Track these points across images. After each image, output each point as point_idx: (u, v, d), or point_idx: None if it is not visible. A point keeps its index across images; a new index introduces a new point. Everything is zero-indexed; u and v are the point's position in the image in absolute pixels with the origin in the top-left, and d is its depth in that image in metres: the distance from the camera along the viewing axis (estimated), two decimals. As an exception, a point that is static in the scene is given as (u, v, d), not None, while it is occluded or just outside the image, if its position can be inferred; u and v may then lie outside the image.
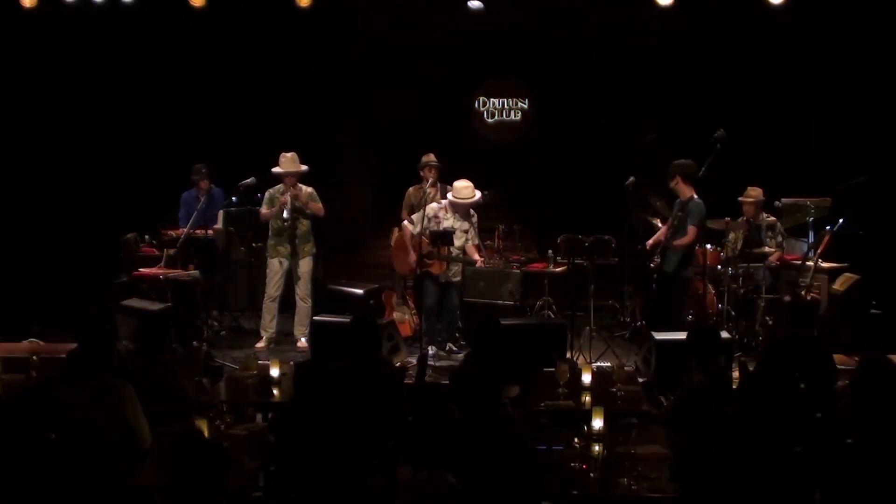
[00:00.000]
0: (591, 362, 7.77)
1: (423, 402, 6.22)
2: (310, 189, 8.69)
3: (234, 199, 9.30)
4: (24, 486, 4.04)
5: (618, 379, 6.10)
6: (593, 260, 8.68)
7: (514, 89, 11.48)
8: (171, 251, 8.86)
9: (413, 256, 8.52)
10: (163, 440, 3.99)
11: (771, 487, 4.22)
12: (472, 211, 8.50)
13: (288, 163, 8.52)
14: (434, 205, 8.51)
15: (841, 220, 8.14)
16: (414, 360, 7.34)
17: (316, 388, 4.76)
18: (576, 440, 4.84)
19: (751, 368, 5.73)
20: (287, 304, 8.87)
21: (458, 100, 11.36)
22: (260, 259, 9.23)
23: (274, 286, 8.66)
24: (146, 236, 9.42)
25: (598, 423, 4.72)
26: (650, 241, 8.46)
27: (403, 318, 8.99)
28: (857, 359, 6.03)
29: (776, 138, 10.02)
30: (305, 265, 8.70)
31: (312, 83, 11.10)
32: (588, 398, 5.79)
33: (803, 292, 8.04)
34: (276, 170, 8.56)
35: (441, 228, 8.32)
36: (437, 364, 7.94)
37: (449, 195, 8.43)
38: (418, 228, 8.28)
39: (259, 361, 6.64)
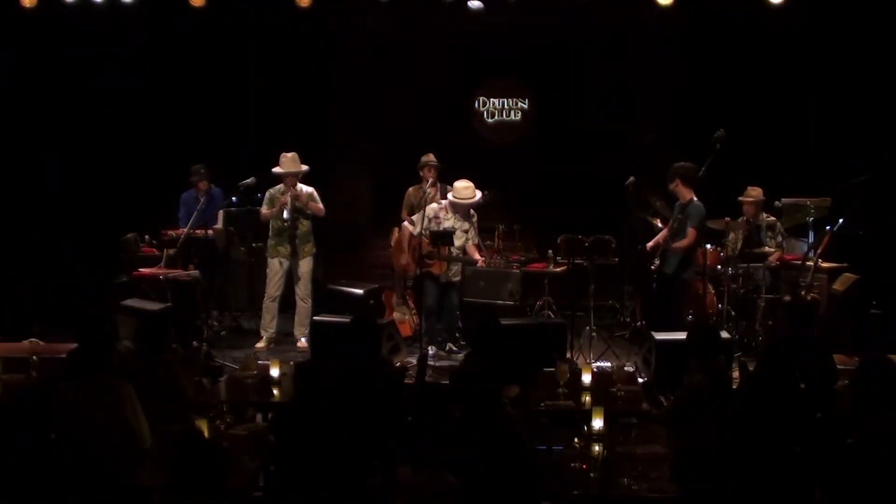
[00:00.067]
0: (590, 362, 7.78)
1: (423, 402, 6.21)
2: (310, 189, 8.69)
3: (234, 199, 9.31)
4: (24, 486, 4.04)
5: (618, 379, 6.10)
6: (593, 260, 8.66)
7: (514, 89, 11.47)
8: (171, 251, 8.86)
9: (405, 258, 8.52)
10: (163, 440, 3.99)
11: (771, 487, 4.22)
12: (472, 211, 8.50)
13: (288, 163, 8.52)
14: (434, 205, 8.51)
15: (841, 220, 8.15)
16: (414, 360, 7.35)
17: (316, 388, 4.76)
18: (576, 440, 4.85)
19: (751, 368, 5.72)
20: (287, 304, 8.87)
21: (458, 100, 11.36)
22: (260, 259, 9.23)
23: (274, 286, 8.67)
24: (146, 236, 9.41)
25: (598, 423, 4.72)
26: (650, 244, 8.45)
27: (403, 318, 8.98)
28: (857, 359, 6.04)
29: (776, 138, 10.01)
30: (305, 265, 8.70)
31: (312, 83, 11.09)
32: (588, 398, 5.80)
33: (803, 292, 8.03)
34: (276, 170, 8.56)
35: (441, 228, 8.32)
36: (437, 364, 7.94)
37: (449, 195, 8.43)
38: (418, 229, 8.29)
39: (259, 361, 6.64)
